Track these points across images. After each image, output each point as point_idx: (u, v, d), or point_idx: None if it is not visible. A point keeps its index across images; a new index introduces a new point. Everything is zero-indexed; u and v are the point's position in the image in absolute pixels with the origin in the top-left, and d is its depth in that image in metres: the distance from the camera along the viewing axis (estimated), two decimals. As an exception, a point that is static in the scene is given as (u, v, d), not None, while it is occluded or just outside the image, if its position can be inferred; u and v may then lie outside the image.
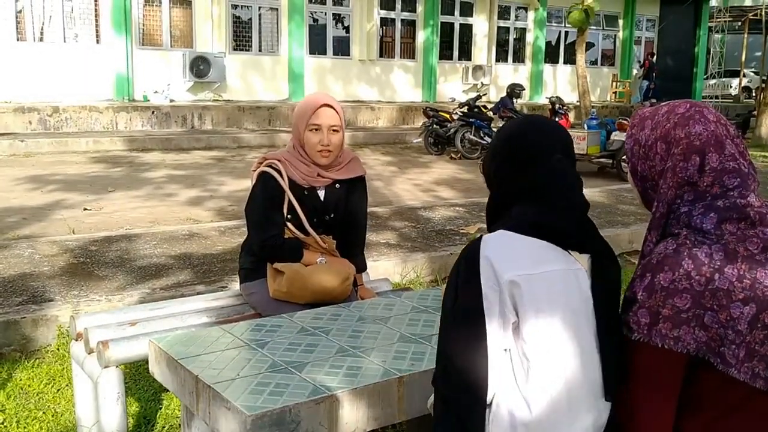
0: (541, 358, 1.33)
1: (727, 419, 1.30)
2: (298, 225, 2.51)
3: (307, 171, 2.52)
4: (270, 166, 2.51)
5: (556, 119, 11.78)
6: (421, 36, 16.82)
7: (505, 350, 1.35)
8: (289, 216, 2.50)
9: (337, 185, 2.59)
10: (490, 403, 1.35)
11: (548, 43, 19.39)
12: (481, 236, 1.40)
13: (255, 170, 2.58)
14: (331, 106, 2.49)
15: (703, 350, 1.27)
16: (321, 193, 2.57)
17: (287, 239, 2.53)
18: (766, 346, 1.26)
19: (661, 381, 1.30)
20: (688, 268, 1.27)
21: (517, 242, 1.37)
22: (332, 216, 2.57)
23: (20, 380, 3.04)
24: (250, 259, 2.60)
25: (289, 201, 2.48)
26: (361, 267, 2.73)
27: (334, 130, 2.48)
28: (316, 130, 2.47)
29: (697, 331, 1.26)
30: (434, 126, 11.31)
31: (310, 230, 2.51)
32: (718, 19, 20.94)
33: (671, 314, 1.27)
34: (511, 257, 1.34)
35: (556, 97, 12.92)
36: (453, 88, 17.12)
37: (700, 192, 1.34)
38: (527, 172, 1.41)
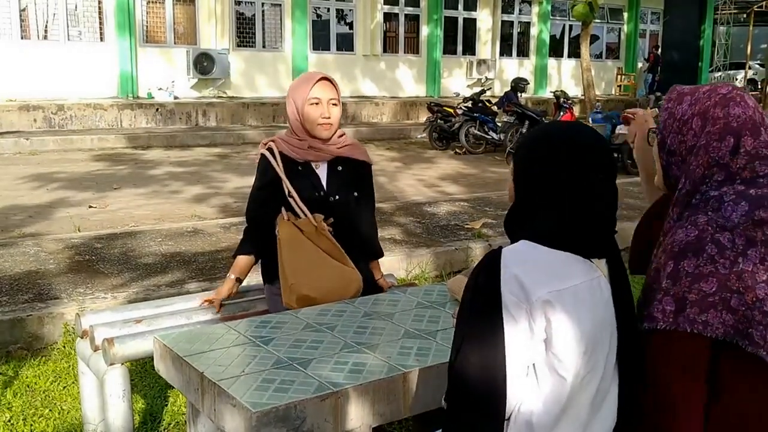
0: (571, 372, 1.31)
1: (749, 403, 1.30)
2: (296, 202, 2.49)
3: (299, 144, 2.51)
4: (266, 148, 2.53)
5: (561, 113, 11.74)
6: (425, 31, 16.78)
7: (528, 366, 1.32)
8: (291, 195, 2.48)
9: (339, 167, 2.57)
10: (508, 417, 1.33)
11: (552, 37, 19.31)
12: (500, 248, 1.35)
13: (257, 154, 2.59)
14: (328, 80, 2.52)
15: (731, 334, 1.26)
16: (321, 173, 2.55)
17: (254, 234, 2.54)
18: None
19: (691, 367, 1.29)
20: (711, 252, 1.27)
21: (542, 255, 1.33)
22: (336, 198, 2.54)
23: (26, 378, 3.05)
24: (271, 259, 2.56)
25: (285, 182, 2.47)
26: (378, 254, 2.72)
27: (333, 104, 2.50)
28: (316, 104, 2.47)
29: (724, 314, 1.25)
30: (438, 121, 11.28)
31: (303, 206, 2.47)
32: (723, 11, 20.81)
33: (698, 299, 1.26)
34: (540, 273, 1.30)
35: (561, 91, 12.86)
36: (457, 82, 17.07)
37: (731, 173, 1.33)
38: (575, 184, 1.33)
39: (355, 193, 2.58)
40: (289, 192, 2.48)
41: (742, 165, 1.32)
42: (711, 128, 1.34)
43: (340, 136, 2.59)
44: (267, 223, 2.51)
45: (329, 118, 2.48)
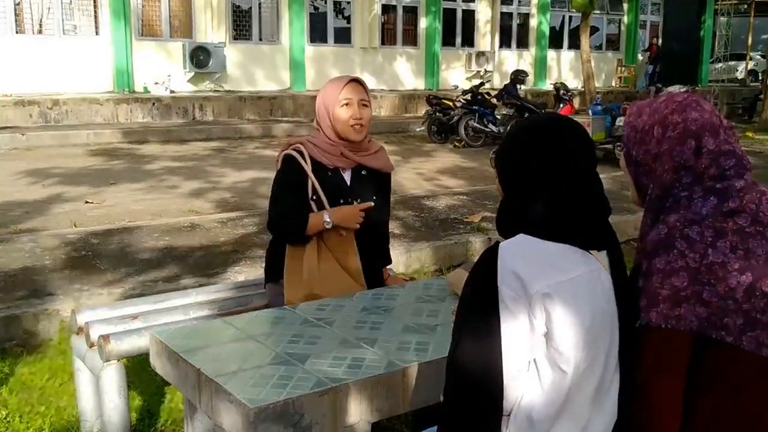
0: (572, 365, 1.30)
1: (736, 396, 1.31)
2: (320, 207, 2.47)
3: (330, 149, 2.50)
4: (293, 149, 2.51)
5: (561, 105, 11.70)
6: (423, 23, 16.70)
7: (529, 361, 1.31)
8: (314, 197, 2.47)
9: (363, 172, 2.57)
10: (509, 413, 1.32)
11: (552, 29, 19.23)
12: (497, 243, 1.35)
13: (279, 154, 2.56)
14: (359, 82, 2.52)
15: (704, 326, 1.28)
16: (347, 177, 2.55)
17: (296, 215, 2.46)
18: (767, 314, 1.27)
19: (668, 362, 1.31)
20: (681, 247, 1.30)
21: (540, 248, 1.32)
22: (357, 202, 2.53)
23: (22, 375, 3.02)
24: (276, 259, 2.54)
25: (313, 183, 2.45)
26: (388, 261, 2.75)
27: (364, 105, 2.50)
28: (348, 105, 2.47)
29: (697, 307, 1.28)
30: (437, 114, 11.23)
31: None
32: (724, 2, 20.75)
33: (670, 294, 1.29)
34: (538, 266, 1.30)
35: (561, 83, 12.82)
36: (456, 75, 17.01)
37: (698, 174, 1.36)
38: (569, 175, 1.35)
39: (374, 198, 2.58)
40: (313, 195, 2.46)
41: (708, 164, 1.36)
42: (671, 133, 1.38)
43: (369, 141, 2.60)
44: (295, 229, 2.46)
45: (361, 119, 2.48)
